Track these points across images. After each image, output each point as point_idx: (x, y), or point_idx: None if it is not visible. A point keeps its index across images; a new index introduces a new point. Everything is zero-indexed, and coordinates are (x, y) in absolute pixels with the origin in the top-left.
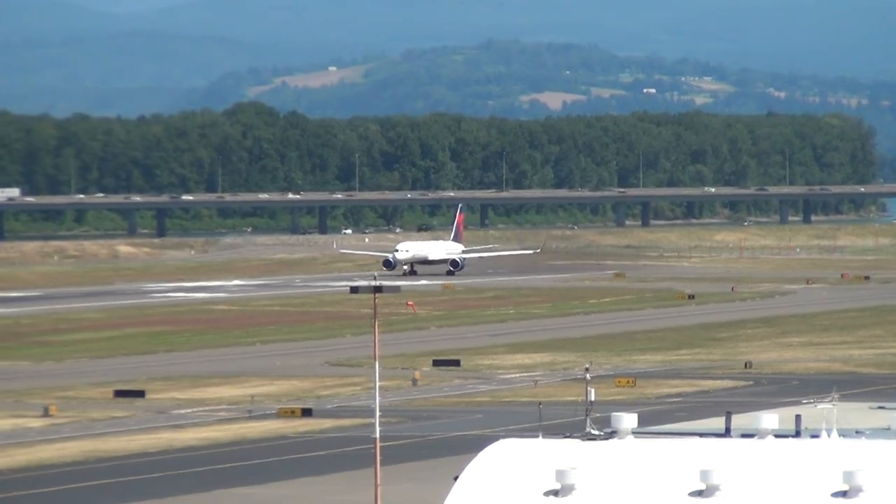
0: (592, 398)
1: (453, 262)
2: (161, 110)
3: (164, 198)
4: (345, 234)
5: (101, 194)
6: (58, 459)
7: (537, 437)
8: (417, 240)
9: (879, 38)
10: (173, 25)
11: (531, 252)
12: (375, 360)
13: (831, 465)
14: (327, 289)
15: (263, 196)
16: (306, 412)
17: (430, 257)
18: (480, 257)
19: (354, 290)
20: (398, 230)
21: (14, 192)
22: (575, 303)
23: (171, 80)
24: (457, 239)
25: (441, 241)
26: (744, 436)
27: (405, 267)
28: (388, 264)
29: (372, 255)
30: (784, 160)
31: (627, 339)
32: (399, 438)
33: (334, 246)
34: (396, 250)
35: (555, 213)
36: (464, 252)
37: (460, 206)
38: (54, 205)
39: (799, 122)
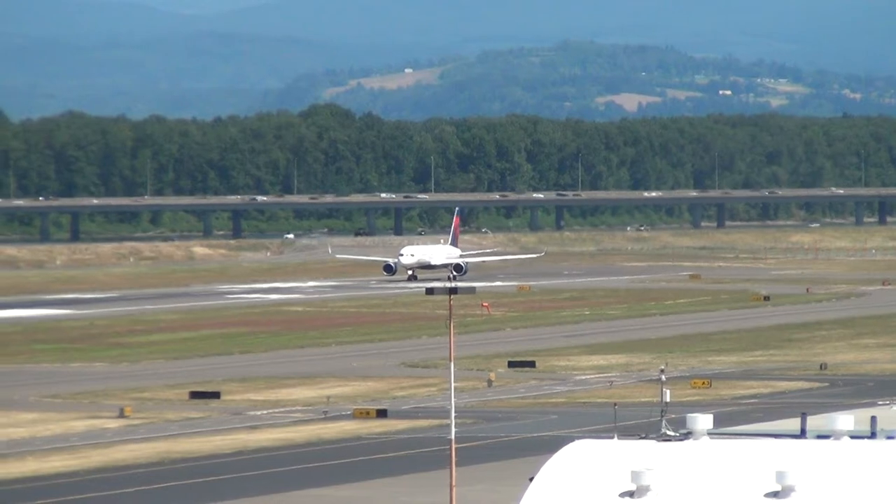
0: (668, 399)
1: (457, 267)
2: (237, 112)
3: (240, 199)
4: (287, 238)
5: (178, 196)
6: (133, 460)
7: (612, 438)
8: (418, 244)
9: None
10: (249, 27)
11: (536, 256)
12: (451, 361)
13: None
14: (403, 290)
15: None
16: (381, 413)
17: (433, 262)
18: (483, 261)
19: (430, 291)
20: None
21: None
22: (651, 304)
23: (247, 81)
24: (454, 243)
25: (441, 245)
26: (819, 437)
27: (409, 272)
28: (389, 269)
29: (370, 260)
30: (860, 162)
31: (703, 341)
32: (474, 439)
33: (329, 251)
34: (401, 255)
35: (630, 215)
36: (461, 256)
37: (457, 209)
38: (130, 206)
39: (875, 124)
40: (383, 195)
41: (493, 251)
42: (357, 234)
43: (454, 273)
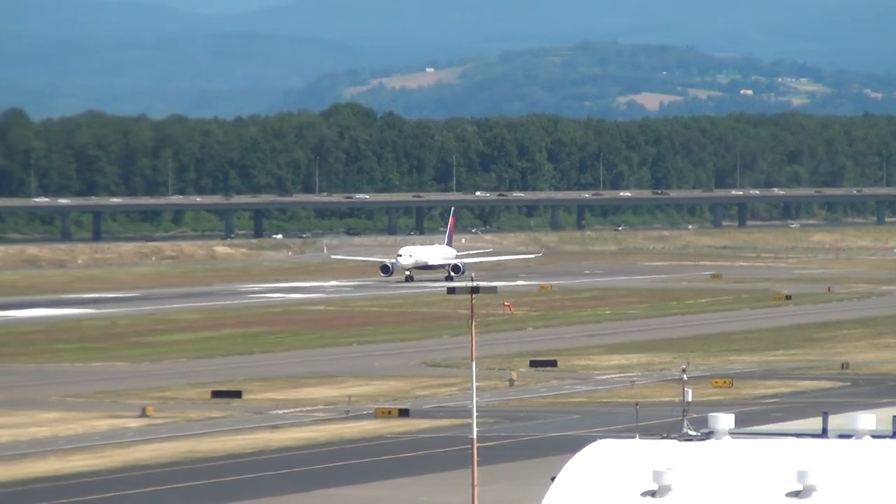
0: (689, 399)
1: (454, 268)
2: (258, 111)
3: (262, 198)
4: (275, 238)
5: (199, 196)
6: (154, 460)
7: (634, 437)
8: (414, 244)
9: None
10: (270, 27)
11: (533, 256)
12: (472, 360)
13: None
14: (424, 289)
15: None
16: (403, 412)
17: (430, 262)
18: (480, 262)
19: (451, 290)
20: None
21: None
22: (672, 303)
23: (268, 81)
24: (449, 243)
25: (437, 246)
26: (841, 436)
27: (406, 272)
28: (386, 269)
29: (365, 261)
30: (881, 161)
31: (724, 340)
32: (496, 439)
33: (324, 251)
34: (399, 255)
35: (652, 215)
36: (457, 256)
37: (453, 209)
38: (151, 206)
39: (895, 123)
40: (478, 193)
41: (490, 251)
42: (347, 233)
43: (452, 273)
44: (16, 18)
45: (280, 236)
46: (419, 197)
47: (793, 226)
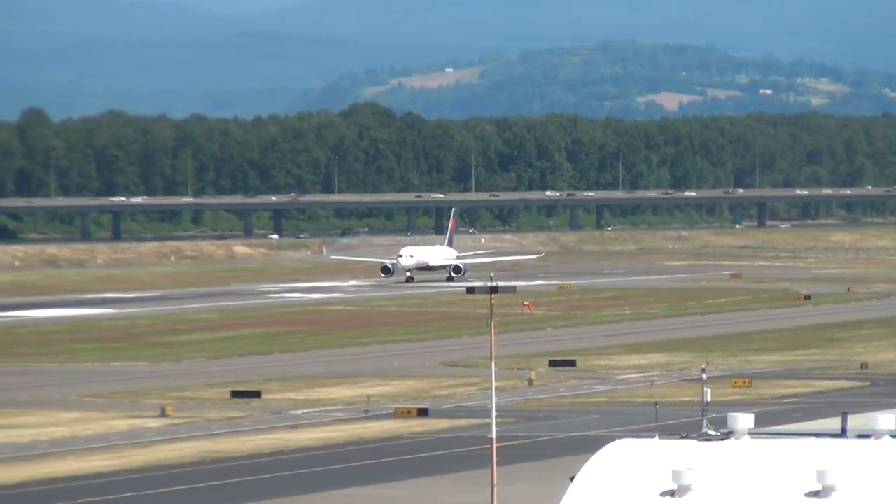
0: (709, 399)
1: (455, 268)
2: (278, 111)
3: (281, 198)
4: (271, 238)
5: (219, 195)
6: (174, 460)
7: (653, 437)
8: (413, 245)
9: None
10: (290, 26)
11: (534, 257)
12: (491, 360)
13: None
14: (443, 289)
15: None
16: (422, 412)
17: (431, 263)
18: (482, 262)
19: (470, 290)
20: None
21: None
22: (691, 303)
23: (288, 81)
24: (450, 244)
25: (438, 247)
26: (860, 436)
27: (407, 273)
28: (387, 270)
29: (366, 262)
30: None
31: (744, 340)
32: (515, 439)
33: (324, 252)
34: (400, 256)
35: (671, 214)
36: (458, 257)
37: (453, 210)
38: (171, 205)
39: None
40: (548, 192)
41: (491, 251)
42: (342, 233)
43: (453, 274)
44: (37, 19)
45: (275, 237)
46: (496, 196)
47: (783, 226)
